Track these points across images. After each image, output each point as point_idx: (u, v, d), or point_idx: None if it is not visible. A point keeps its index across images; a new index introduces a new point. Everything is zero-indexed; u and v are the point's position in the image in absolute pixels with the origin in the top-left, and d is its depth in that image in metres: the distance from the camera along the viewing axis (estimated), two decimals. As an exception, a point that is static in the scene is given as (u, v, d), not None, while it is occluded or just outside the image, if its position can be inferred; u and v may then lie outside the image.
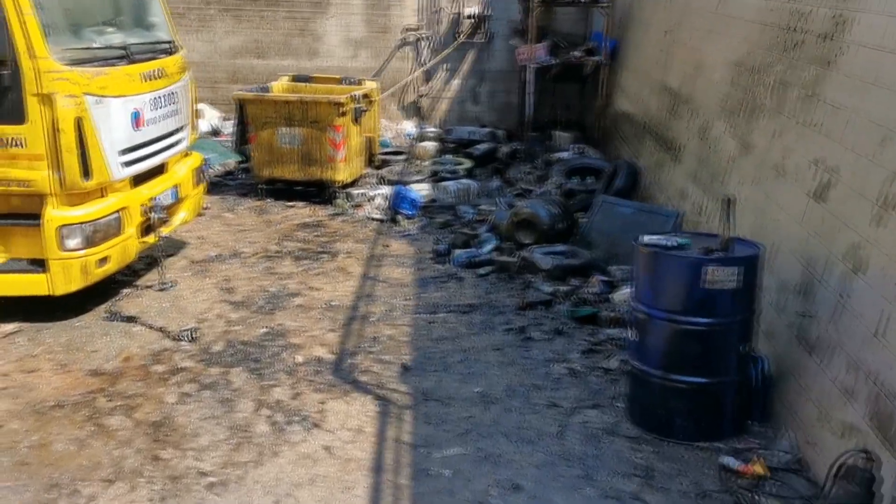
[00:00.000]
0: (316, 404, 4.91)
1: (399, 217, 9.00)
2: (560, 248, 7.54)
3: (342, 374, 5.32)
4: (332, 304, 6.55)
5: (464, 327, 6.15)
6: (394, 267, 7.54)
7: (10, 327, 5.86)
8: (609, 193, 8.68)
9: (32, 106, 5.51)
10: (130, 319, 6.06)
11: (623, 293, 6.46)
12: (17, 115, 5.52)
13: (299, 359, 5.50)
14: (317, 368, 5.38)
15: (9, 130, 5.54)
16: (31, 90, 5.48)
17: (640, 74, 10.28)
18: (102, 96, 5.84)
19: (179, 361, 5.43)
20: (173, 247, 7.73)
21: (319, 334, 5.94)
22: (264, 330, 5.99)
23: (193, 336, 5.76)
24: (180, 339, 5.73)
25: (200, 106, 13.03)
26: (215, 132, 12.27)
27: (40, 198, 5.71)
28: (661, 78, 9.10)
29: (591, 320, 6.24)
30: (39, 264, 5.79)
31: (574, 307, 6.47)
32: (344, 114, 9.25)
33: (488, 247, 7.87)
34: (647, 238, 4.70)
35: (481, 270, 7.39)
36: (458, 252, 7.81)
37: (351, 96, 9.42)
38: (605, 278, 6.93)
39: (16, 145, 5.59)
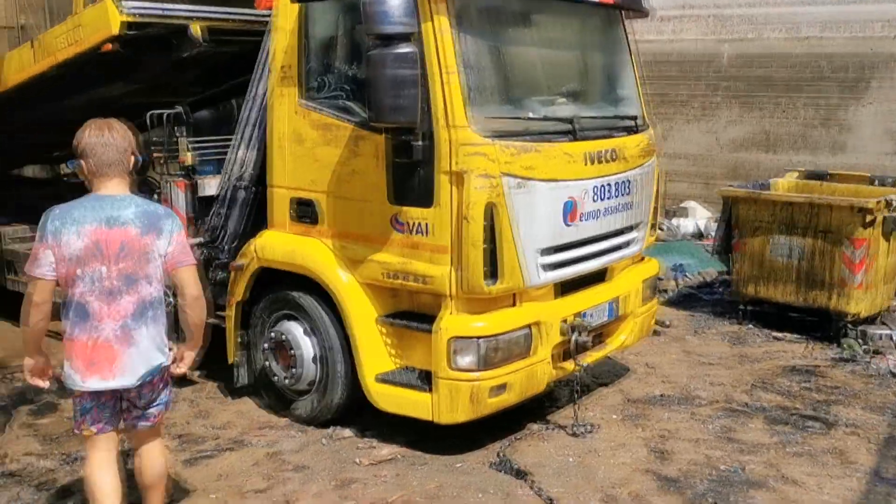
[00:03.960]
0: None
1: (944, 381, 6.02)
2: None
3: None
4: (815, 517, 4.14)
5: None
6: (930, 467, 4.75)
7: (385, 451, 4.79)
8: None
9: (442, 185, 4.42)
10: (519, 474, 4.51)
11: None
12: (424, 196, 4.48)
13: None
14: None
15: (414, 213, 4.53)
16: (442, 166, 4.40)
17: None
18: (526, 178, 4.52)
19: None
20: (609, 373, 6.09)
21: (782, 576, 3.63)
22: (693, 542, 3.90)
23: (587, 527, 3.97)
24: (568, 527, 3.99)
25: (689, 203, 11.43)
26: (699, 234, 10.44)
27: (440, 299, 4.58)
28: None
29: None
30: (427, 381, 4.64)
31: None
32: (870, 224, 6.67)
33: None
34: None
35: None
36: None
37: (884, 201, 6.78)
38: None
39: (419, 232, 4.55)
